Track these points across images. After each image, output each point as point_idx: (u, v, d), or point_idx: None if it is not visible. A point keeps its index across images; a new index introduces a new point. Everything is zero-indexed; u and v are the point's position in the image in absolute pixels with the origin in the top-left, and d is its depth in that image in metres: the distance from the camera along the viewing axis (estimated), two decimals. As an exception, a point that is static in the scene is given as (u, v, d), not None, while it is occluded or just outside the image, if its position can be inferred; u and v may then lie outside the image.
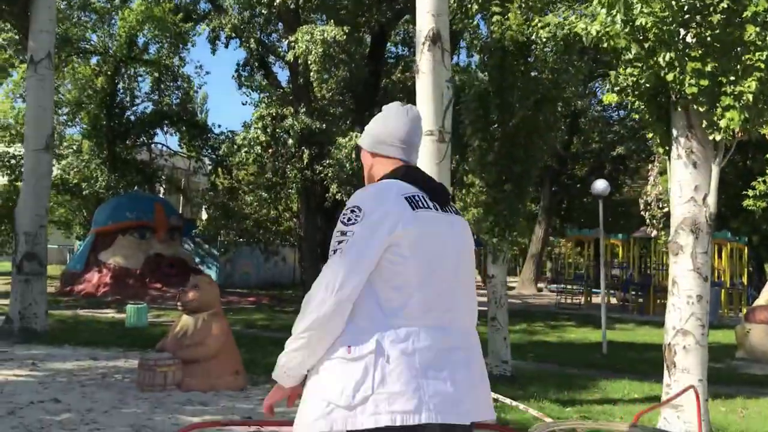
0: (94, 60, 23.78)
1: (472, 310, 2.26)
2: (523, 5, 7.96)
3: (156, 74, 23.64)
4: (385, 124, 2.32)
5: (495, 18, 7.95)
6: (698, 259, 5.48)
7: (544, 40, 7.59)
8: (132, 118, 23.62)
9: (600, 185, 11.75)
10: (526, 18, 7.87)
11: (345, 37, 14.67)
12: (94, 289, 17.98)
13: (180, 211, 27.03)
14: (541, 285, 30.21)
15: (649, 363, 9.48)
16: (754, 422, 6.44)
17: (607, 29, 5.34)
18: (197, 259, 23.60)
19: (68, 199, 24.65)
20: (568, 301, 21.79)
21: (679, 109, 5.52)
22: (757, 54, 5.00)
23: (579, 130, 28.61)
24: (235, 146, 17.57)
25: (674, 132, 5.62)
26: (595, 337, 12.66)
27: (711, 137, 5.39)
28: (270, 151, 16.95)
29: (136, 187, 22.98)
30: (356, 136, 15.40)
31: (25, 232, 10.52)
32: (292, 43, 15.05)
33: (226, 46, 19.39)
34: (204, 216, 25.84)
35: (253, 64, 19.67)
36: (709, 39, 5.20)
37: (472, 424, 2.12)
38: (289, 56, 15.54)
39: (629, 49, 5.40)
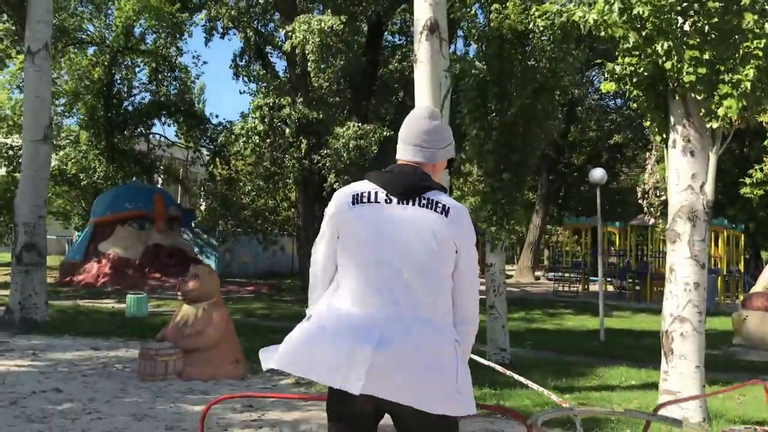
0: (91, 50, 23.74)
1: (418, 299, 2.30)
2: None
3: (153, 64, 23.59)
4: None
5: (494, 6, 7.95)
6: (695, 247, 5.51)
7: (542, 28, 7.58)
8: (129, 108, 23.57)
9: (597, 173, 11.77)
10: (525, 7, 7.86)
11: (342, 26, 14.62)
12: (93, 279, 18.07)
13: (178, 202, 27.04)
14: (538, 273, 30.30)
15: (646, 350, 9.52)
16: (750, 408, 6.48)
17: (605, 18, 5.35)
18: (196, 249, 23.63)
19: (66, 190, 24.65)
20: (566, 289, 21.85)
21: (677, 98, 5.52)
22: (755, 42, 5.00)
23: (576, 119, 28.60)
24: (233, 136, 17.53)
25: (672, 120, 5.62)
26: (592, 325, 12.72)
27: (708, 125, 5.40)
28: (268, 141, 16.91)
29: (134, 178, 22.99)
30: (353, 126, 15.40)
31: (24, 222, 10.55)
32: (289, 33, 14.99)
33: (223, 37, 19.37)
34: (203, 206, 25.83)
35: (251, 53, 19.62)
36: (707, 27, 5.20)
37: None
38: (287, 46, 15.48)
39: (627, 38, 5.41)
